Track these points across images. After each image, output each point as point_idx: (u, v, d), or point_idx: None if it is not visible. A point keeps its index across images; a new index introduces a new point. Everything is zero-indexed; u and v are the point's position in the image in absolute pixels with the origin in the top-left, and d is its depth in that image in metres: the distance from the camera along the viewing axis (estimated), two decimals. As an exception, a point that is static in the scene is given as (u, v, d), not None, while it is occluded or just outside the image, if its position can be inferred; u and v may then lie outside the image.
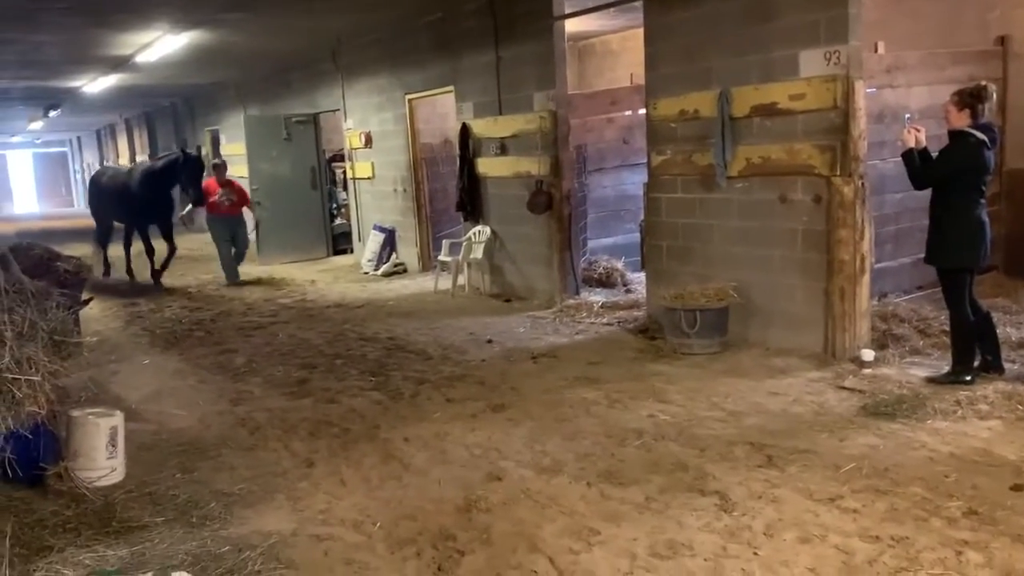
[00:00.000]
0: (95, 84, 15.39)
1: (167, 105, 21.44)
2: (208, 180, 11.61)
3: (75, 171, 37.87)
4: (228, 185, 11.61)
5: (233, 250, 11.65)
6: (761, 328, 6.64)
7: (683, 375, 6.10)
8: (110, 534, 4.01)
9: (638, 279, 9.07)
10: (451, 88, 10.29)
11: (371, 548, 3.79)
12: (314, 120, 13.88)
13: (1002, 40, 7.95)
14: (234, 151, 15.92)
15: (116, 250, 12.52)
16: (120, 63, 12.76)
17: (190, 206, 11.37)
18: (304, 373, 6.79)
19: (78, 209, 35.29)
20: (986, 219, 5.27)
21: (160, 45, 11.07)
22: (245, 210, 12.14)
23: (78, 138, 35.80)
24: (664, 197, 7.47)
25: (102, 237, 12.73)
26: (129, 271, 12.21)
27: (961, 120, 5.20)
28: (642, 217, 8.34)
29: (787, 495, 4.00)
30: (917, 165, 5.32)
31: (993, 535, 3.50)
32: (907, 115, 6.09)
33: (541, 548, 3.67)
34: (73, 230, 19.65)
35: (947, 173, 5.23)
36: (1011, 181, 7.73)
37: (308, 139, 13.81)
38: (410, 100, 11.41)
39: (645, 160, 7.83)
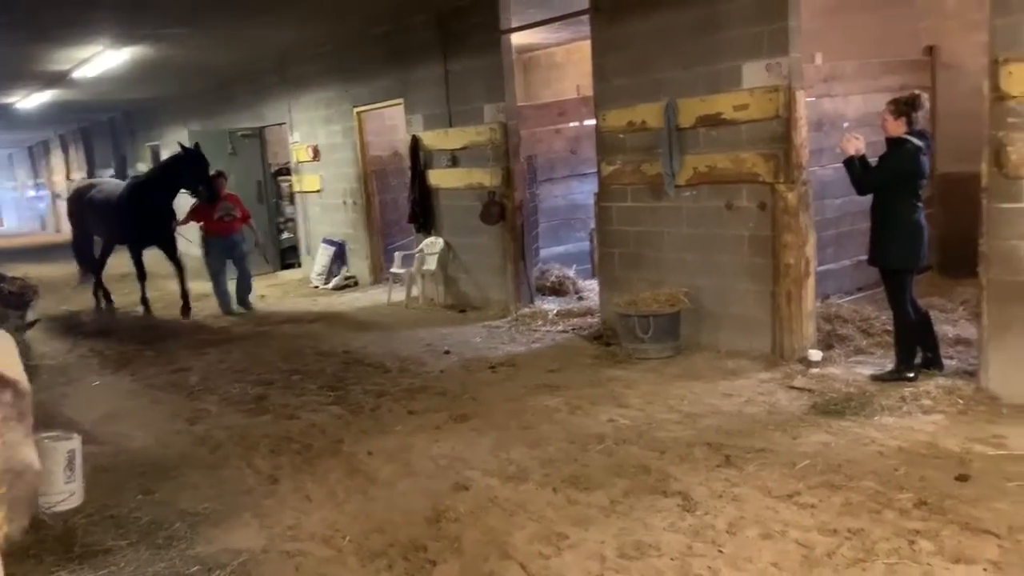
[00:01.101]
0: (29, 100, 15.00)
1: (105, 120, 21.00)
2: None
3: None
4: (230, 199, 10.20)
5: (236, 273, 10.27)
6: (712, 331, 6.82)
7: (640, 379, 6.23)
8: (73, 559, 3.95)
9: (590, 287, 9.21)
10: (400, 100, 10.32)
11: (342, 562, 3.81)
12: (260, 134, 13.75)
13: (931, 50, 8.31)
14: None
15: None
16: (57, 79, 12.48)
17: (188, 215, 10.05)
18: (261, 390, 6.74)
19: (8, 228, 34.30)
20: (924, 222, 5.51)
21: (100, 60, 10.87)
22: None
23: (9, 155, 34.76)
24: (615, 206, 7.62)
25: (90, 260, 11.14)
26: (104, 290, 11.05)
27: (898, 128, 5.44)
28: (593, 226, 8.49)
29: (747, 493, 4.14)
30: (858, 172, 5.54)
31: (943, 524, 3.68)
32: (845, 124, 6.34)
33: (512, 555, 3.74)
34: (9, 250, 19.07)
35: (887, 179, 5.46)
36: (943, 185, 8.07)
37: (254, 153, 13.67)
38: (359, 113, 11.40)
39: (594, 170, 7.98)
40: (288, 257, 13.99)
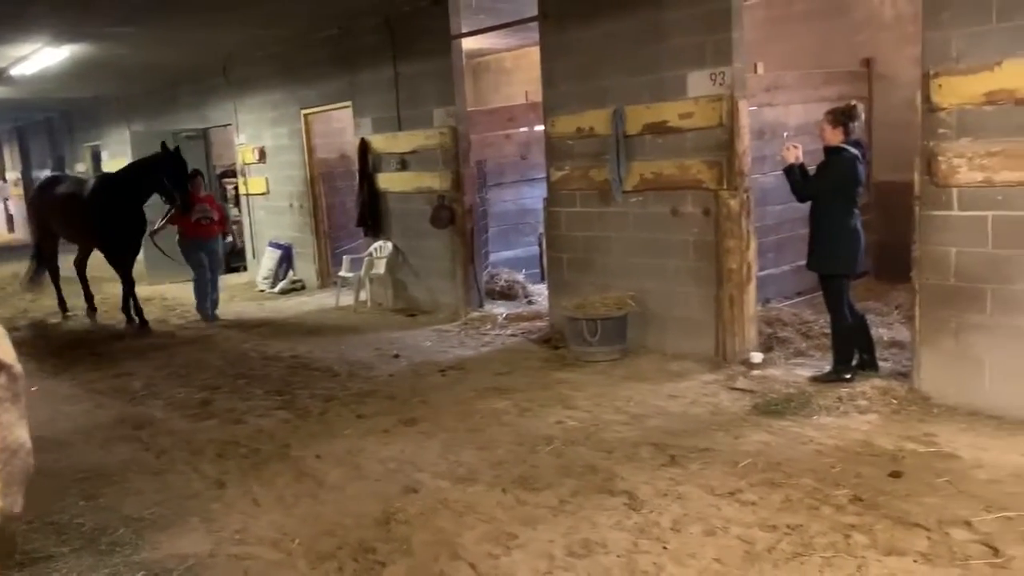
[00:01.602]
0: (-38, 97, 14.55)
1: (42, 119, 20.44)
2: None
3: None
4: (207, 201, 9.70)
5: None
6: (658, 334, 6.95)
7: (588, 382, 6.32)
8: (13, 568, 3.86)
9: (539, 291, 9.30)
10: (349, 103, 10.28)
11: (292, 565, 3.80)
12: (204, 135, 13.55)
13: (867, 62, 8.60)
14: (118, 167, 15.31)
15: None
16: (-8, 76, 12.12)
17: (163, 220, 9.44)
18: (207, 394, 6.65)
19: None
20: (860, 228, 5.71)
21: (38, 58, 10.60)
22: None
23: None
24: (564, 211, 7.71)
25: (50, 263, 10.46)
26: (90, 303, 10.21)
27: (835, 137, 5.63)
28: (542, 230, 8.57)
29: (691, 491, 4.24)
30: (798, 180, 5.72)
31: (876, 518, 3.82)
32: (785, 133, 6.52)
33: (462, 555, 3.77)
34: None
35: (825, 187, 5.64)
36: (880, 193, 8.35)
37: (198, 154, 13.38)
38: (306, 115, 11.32)
39: (543, 175, 8.07)
40: (234, 260, 13.79)
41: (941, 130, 5.08)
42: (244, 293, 11.82)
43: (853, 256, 5.67)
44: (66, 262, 10.47)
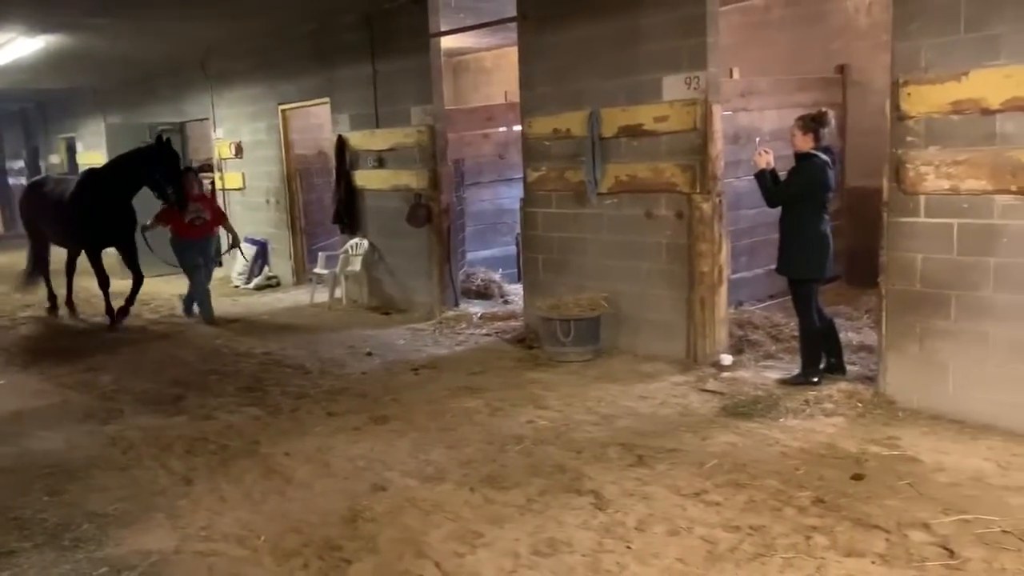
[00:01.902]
0: (-66, 86, 14.35)
1: (16, 111, 20.19)
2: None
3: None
4: (200, 200, 9.24)
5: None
6: (631, 335, 6.99)
7: (560, 382, 6.35)
8: (-27, 562, 3.83)
9: (515, 290, 9.31)
10: (327, 100, 10.25)
11: (257, 562, 3.80)
12: (181, 129, 13.45)
13: (841, 69, 8.70)
14: (93, 160, 15.16)
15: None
16: (-35, 65, 11.97)
17: (155, 218, 8.98)
18: (177, 390, 6.62)
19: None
20: (829, 233, 5.77)
21: (12, 48, 10.47)
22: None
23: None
24: (540, 212, 7.74)
25: (41, 263, 10.15)
26: (70, 303, 9.97)
27: (806, 143, 5.69)
28: (518, 230, 8.59)
29: (657, 491, 4.28)
30: (769, 185, 5.78)
31: (837, 520, 3.88)
32: (757, 139, 6.58)
33: (427, 553, 3.79)
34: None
35: (795, 192, 5.70)
36: (852, 198, 8.45)
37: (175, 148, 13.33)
38: (284, 111, 11.27)
39: (521, 175, 8.08)
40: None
41: (909, 138, 5.15)
42: (219, 289, 11.68)
43: (822, 261, 5.74)
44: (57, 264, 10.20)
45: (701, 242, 6.39)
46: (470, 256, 9.99)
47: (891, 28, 5.25)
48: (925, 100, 5.05)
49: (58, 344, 8.49)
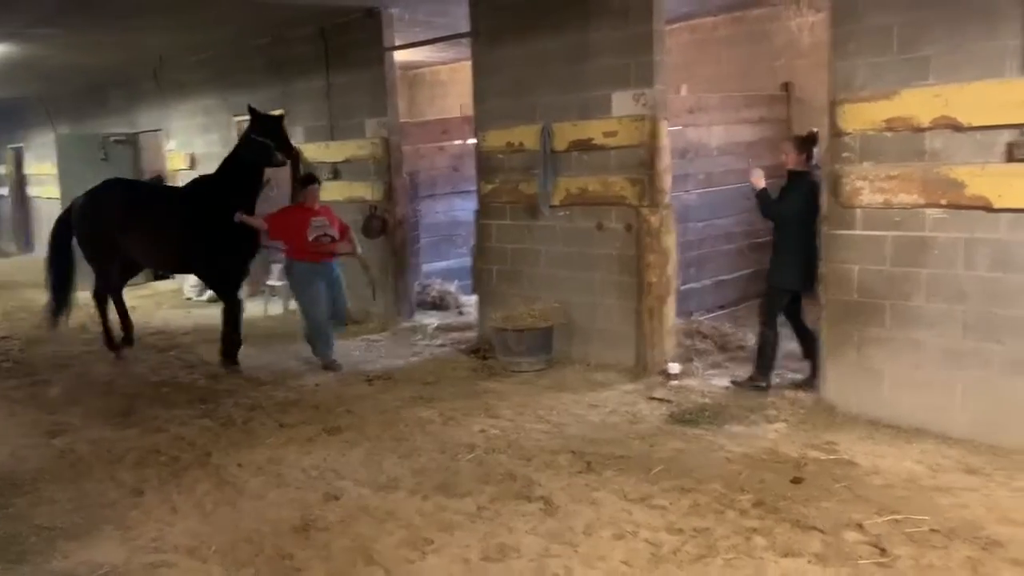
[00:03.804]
0: None
1: (-39, 119, 19.72)
2: (294, 207, 7.50)
3: None
4: (326, 213, 7.43)
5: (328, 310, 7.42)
6: (582, 345, 7.12)
7: (512, 391, 6.44)
8: (-83, 578, 3.79)
9: (470, 302, 9.39)
10: (281, 112, 10.23)
11: (208, 572, 3.82)
12: (134, 140, 13.32)
13: (786, 86, 8.97)
14: (43, 171, 14.95)
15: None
16: (-93, 73, 11.74)
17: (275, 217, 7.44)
18: (128, 403, 6.57)
19: None
20: (818, 249, 5.77)
21: (-42, 56, 10.31)
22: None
23: None
24: (494, 223, 7.84)
25: (106, 288, 8.14)
26: (128, 333, 8.24)
27: (800, 162, 5.91)
28: (473, 242, 8.68)
29: (604, 497, 4.39)
30: (770, 201, 5.96)
31: (776, 522, 4.03)
32: (749, 159, 6.71)
33: (378, 560, 3.85)
34: None
35: (795, 209, 5.85)
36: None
37: (126, 159, 13.18)
38: (238, 122, 11.22)
39: (475, 187, 8.19)
40: (162, 267, 13.55)
41: (845, 154, 5.37)
42: (171, 301, 11.62)
43: (799, 274, 5.90)
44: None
45: (650, 253, 6.55)
46: (425, 268, 10.04)
47: (829, 48, 5.46)
48: (860, 117, 5.27)
49: (4, 357, 8.33)
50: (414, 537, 4.06)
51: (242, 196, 7.27)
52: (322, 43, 9.32)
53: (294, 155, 7.51)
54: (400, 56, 9.24)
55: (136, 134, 13.36)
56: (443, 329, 8.61)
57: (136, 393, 6.83)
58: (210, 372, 7.45)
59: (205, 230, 7.24)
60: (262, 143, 7.15)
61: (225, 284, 7.53)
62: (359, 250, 7.61)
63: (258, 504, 4.54)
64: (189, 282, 11.84)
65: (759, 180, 6.02)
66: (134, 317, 8.94)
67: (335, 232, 7.33)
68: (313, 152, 9.73)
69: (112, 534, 4.22)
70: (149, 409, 6.36)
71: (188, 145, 12.23)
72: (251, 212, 7.31)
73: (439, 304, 9.59)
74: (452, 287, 9.82)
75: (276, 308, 10.00)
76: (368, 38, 8.79)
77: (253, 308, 10.47)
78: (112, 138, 13.02)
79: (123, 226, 7.59)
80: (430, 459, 5.09)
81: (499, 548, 3.91)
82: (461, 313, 9.38)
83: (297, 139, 9.90)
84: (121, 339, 8.18)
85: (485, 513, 4.29)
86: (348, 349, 8.18)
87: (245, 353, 7.81)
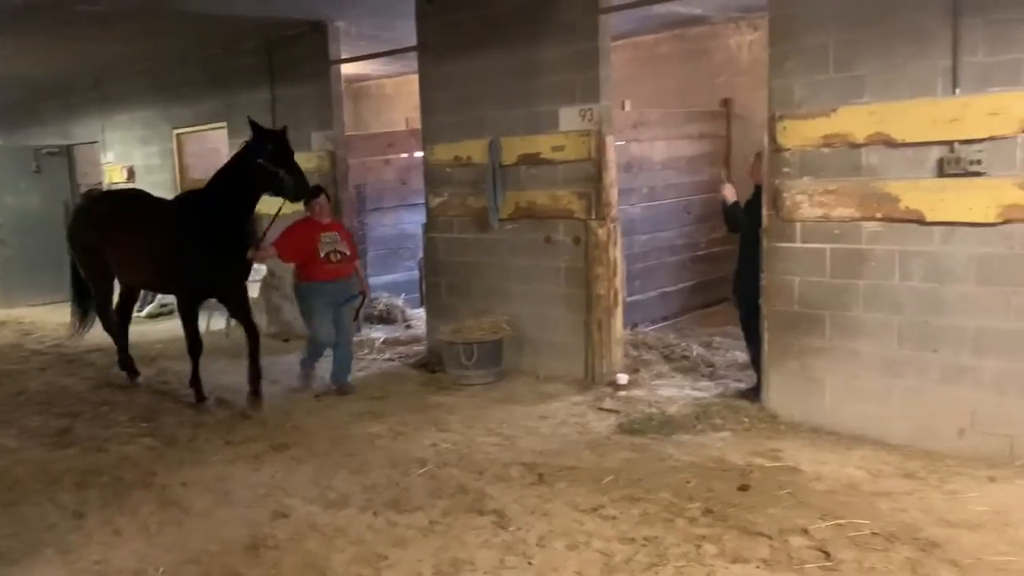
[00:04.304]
0: None
1: None
2: (301, 222, 6.90)
3: None
4: (337, 228, 7.05)
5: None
6: (532, 357, 7.16)
7: (462, 405, 6.45)
8: None
9: (418, 315, 9.37)
10: (224, 124, 10.12)
11: (154, 594, 3.74)
12: (68, 152, 12.97)
13: (726, 102, 9.20)
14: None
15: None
16: None
17: (271, 223, 6.83)
18: (66, 422, 6.38)
19: None
20: None
21: None
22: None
23: None
24: (442, 237, 7.85)
25: (104, 308, 7.62)
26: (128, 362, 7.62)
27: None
28: (421, 255, 8.68)
29: (557, 508, 4.42)
30: (738, 214, 6.04)
31: (725, 529, 4.11)
32: (722, 172, 6.78)
33: (331, 577, 3.81)
34: None
35: (756, 221, 5.86)
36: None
37: (61, 172, 12.85)
38: (178, 134, 11.05)
39: (423, 200, 8.19)
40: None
41: (785, 169, 5.53)
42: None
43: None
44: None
45: (597, 266, 6.64)
46: (372, 281, 9.96)
47: (768, 66, 5.63)
48: (799, 134, 5.43)
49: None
50: (366, 553, 4.03)
51: (234, 220, 6.51)
52: (267, 56, 9.25)
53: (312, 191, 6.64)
54: (345, 69, 9.21)
55: (70, 146, 13.01)
56: (391, 343, 8.57)
57: (75, 412, 6.64)
58: (153, 389, 7.28)
59: (190, 249, 6.45)
60: (274, 174, 6.23)
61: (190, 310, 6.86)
62: (366, 287, 7.30)
63: (205, 523, 4.45)
64: (128, 297, 11.55)
65: (731, 193, 6.12)
66: (68, 332, 8.68)
67: (346, 249, 6.87)
68: (257, 165, 9.60)
69: (52, 558, 4.10)
70: (89, 428, 6.19)
71: (126, 157, 11.98)
72: (244, 235, 6.60)
73: (386, 318, 9.55)
74: (399, 300, 9.79)
75: (218, 323, 9.80)
76: (314, 51, 8.75)
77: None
78: (45, 150, 12.66)
79: (106, 239, 7.05)
80: (380, 474, 5.05)
81: (452, 562, 3.91)
82: (409, 327, 9.35)
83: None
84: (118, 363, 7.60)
85: (438, 527, 4.28)
86: (293, 365, 8.07)
87: (186, 369, 7.60)
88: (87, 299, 7.80)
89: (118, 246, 7.01)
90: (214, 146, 11.41)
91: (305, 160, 8.90)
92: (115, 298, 7.69)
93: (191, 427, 6.15)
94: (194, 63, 10.28)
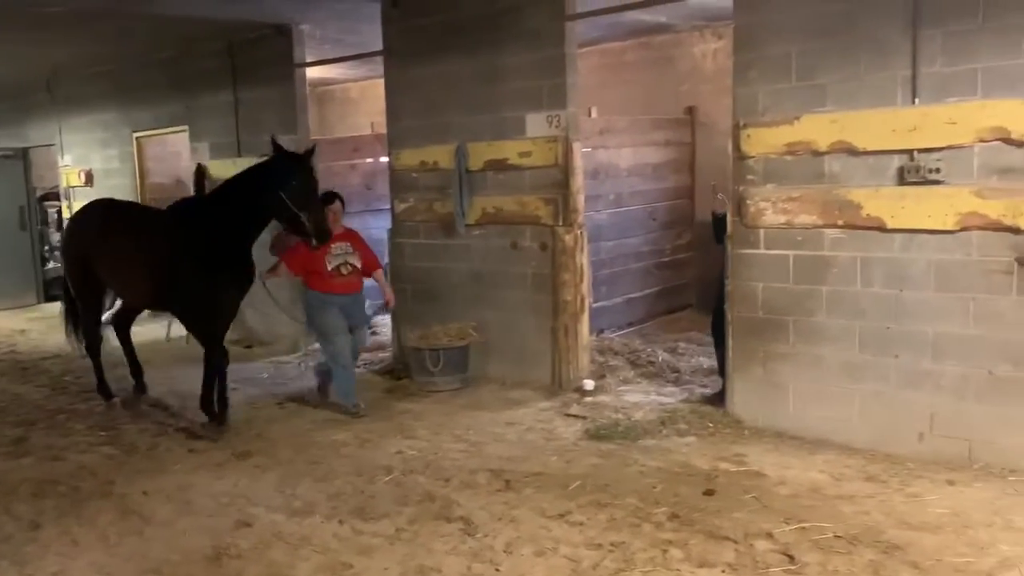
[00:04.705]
0: None
1: None
2: None
3: None
4: (349, 238, 6.58)
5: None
6: (499, 363, 7.15)
7: (429, 411, 6.41)
8: None
9: (384, 321, 9.30)
10: (185, 127, 9.97)
11: (113, 607, 3.65)
12: (23, 154, 12.69)
13: (690, 110, 9.29)
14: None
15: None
16: None
17: (281, 257, 6.48)
18: (21, 431, 6.23)
19: None
20: None
21: None
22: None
23: None
24: (408, 242, 7.81)
25: (89, 332, 7.08)
26: (139, 379, 7.19)
27: None
28: (387, 260, 8.62)
29: (524, 514, 4.41)
30: (725, 226, 5.93)
31: (691, 533, 4.13)
32: (713, 183, 6.75)
33: (296, 587, 3.76)
34: None
35: None
36: (701, 232, 8.98)
37: (16, 175, 12.57)
38: (138, 138, 10.86)
39: (388, 206, 8.14)
40: (54, 289, 12.93)
41: (750, 176, 5.59)
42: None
43: None
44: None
45: (564, 272, 6.65)
46: (336, 287, 9.87)
47: (732, 75, 5.69)
48: (763, 142, 5.50)
49: None
50: (331, 562, 3.98)
51: (240, 239, 6.10)
52: (230, 58, 9.12)
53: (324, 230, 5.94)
54: (310, 73, 9.12)
55: (26, 148, 12.73)
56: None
57: (30, 420, 6.49)
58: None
59: (189, 261, 5.99)
60: (294, 216, 5.75)
61: (205, 327, 6.33)
62: (390, 296, 6.77)
63: (167, 533, 4.37)
64: (85, 303, 11.32)
65: (722, 206, 6.12)
66: (23, 340, 8.44)
67: (358, 261, 6.44)
68: (219, 169, 9.48)
69: (8, 570, 3.99)
70: (45, 437, 6.05)
71: (85, 160, 11.74)
72: (247, 254, 6.22)
73: (350, 325, 9.44)
74: (365, 306, 9.69)
75: (179, 330, 9.64)
76: (278, 54, 8.65)
77: (156, 330, 10.11)
78: (1, 153, 12.38)
79: (97, 250, 6.52)
80: (346, 482, 5.00)
81: (419, 570, 3.88)
82: (374, 333, 9.26)
83: (202, 155, 9.67)
84: (133, 386, 7.17)
85: (404, 535, 4.25)
86: (255, 372, 7.98)
87: (147, 377, 7.48)
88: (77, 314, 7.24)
89: (116, 260, 6.46)
90: (175, 149, 11.25)
91: (269, 164, 8.85)
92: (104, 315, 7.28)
93: (152, 435, 6.04)
94: (155, 65, 10.11)
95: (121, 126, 10.98)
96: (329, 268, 6.32)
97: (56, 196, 12.95)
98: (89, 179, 11.66)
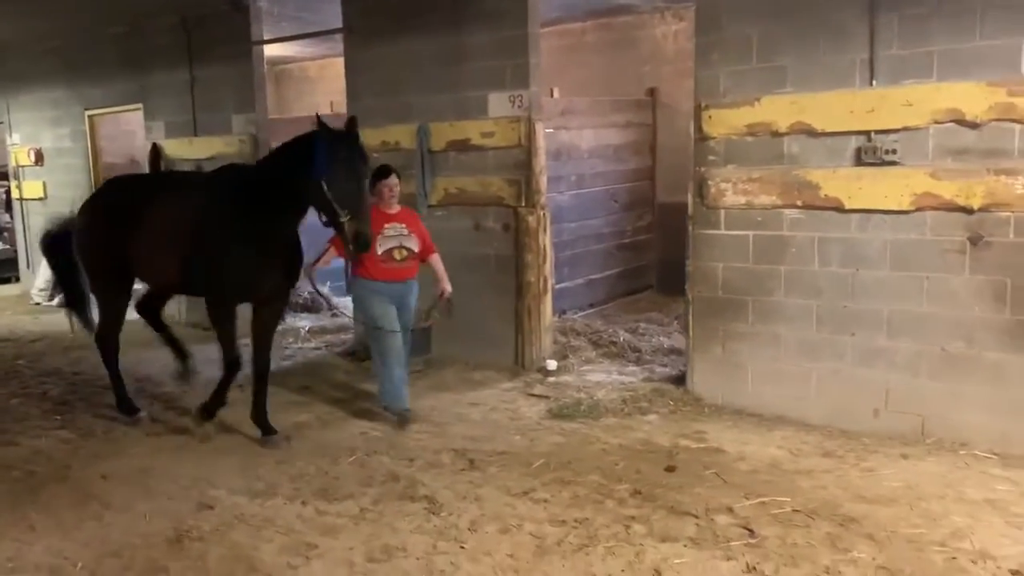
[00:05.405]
0: None
1: None
2: None
3: None
4: (405, 218, 5.73)
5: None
6: (462, 344, 7.12)
7: (391, 393, 6.37)
8: None
9: (344, 304, 9.22)
10: (139, 106, 9.74)
11: (73, 591, 3.60)
12: (-30, 133, 12.31)
13: (652, 92, 9.32)
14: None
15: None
16: None
17: (327, 249, 5.71)
18: (-28, 416, 6.08)
19: None
20: None
21: None
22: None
23: None
24: (368, 223, 7.73)
25: (112, 332, 6.24)
26: (184, 360, 6.40)
27: None
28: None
29: (488, 493, 4.43)
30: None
31: (653, 509, 4.19)
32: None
33: (259, 567, 3.74)
34: None
35: None
36: (662, 213, 9.06)
37: (-38, 154, 12.21)
38: (91, 116, 10.59)
39: (348, 187, 8.04)
40: (5, 271, 12.61)
41: (711, 157, 5.64)
42: (16, 306, 10.84)
43: None
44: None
45: (527, 253, 6.66)
46: (296, 269, 9.76)
47: (694, 56, 5.73)
48: (724, 123, 5.55)
49: None
50: (295, 543, 3.96)
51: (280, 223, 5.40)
52: (184, 35, 8.92)
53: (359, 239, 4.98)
54: (268, 50, 8.96)
55: (-28, 127, 12.34)
56: (316, 332, 8.44)
57: (-20, 405, 6.33)
58: (67, 381, 6.99)
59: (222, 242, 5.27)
60: (334, 214, 4.95)
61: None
62: (447, 287, 5.83)
63: (126, 517, 4.30)
64: (37, 285, 11.08)
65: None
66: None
67: (415, 244, 5.64)
68: (175, 148, 9.31)
69: (-40, 557, 3.90)
70: (-3, 422, 5.91)
71: (34, 139, 11.41)
72: (289, 238, 5.55)
73: (310, 307, 9.37)
74: (324, 288, 9.60)
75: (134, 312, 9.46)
76: (234, 31, 8.48)
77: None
78: (-55, 131, 11.99)
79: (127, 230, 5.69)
80: (308, 463, 4.97)
81: (384, 549, 3.88)
82: (335, 315, 9.18)
83: (157, 134, 9.47)
84: (179, 372, 6.40)
85: (368, 515, 4.24)
86: (213, 354, 7.82)
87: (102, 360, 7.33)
88: (80, 302, 6.49)
89: (143, 241, 5.64)
90: (129, 128, 11.00)
91: (225, 144, 8.74)
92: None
93: (109, 419, 5.94)
94: (106, 41, 9.84)
95: (72, 104, 10.68)
96: (380, 252, 5.48)
97: (4, 176, 12.59)
98: (39, 158, 11.34)
